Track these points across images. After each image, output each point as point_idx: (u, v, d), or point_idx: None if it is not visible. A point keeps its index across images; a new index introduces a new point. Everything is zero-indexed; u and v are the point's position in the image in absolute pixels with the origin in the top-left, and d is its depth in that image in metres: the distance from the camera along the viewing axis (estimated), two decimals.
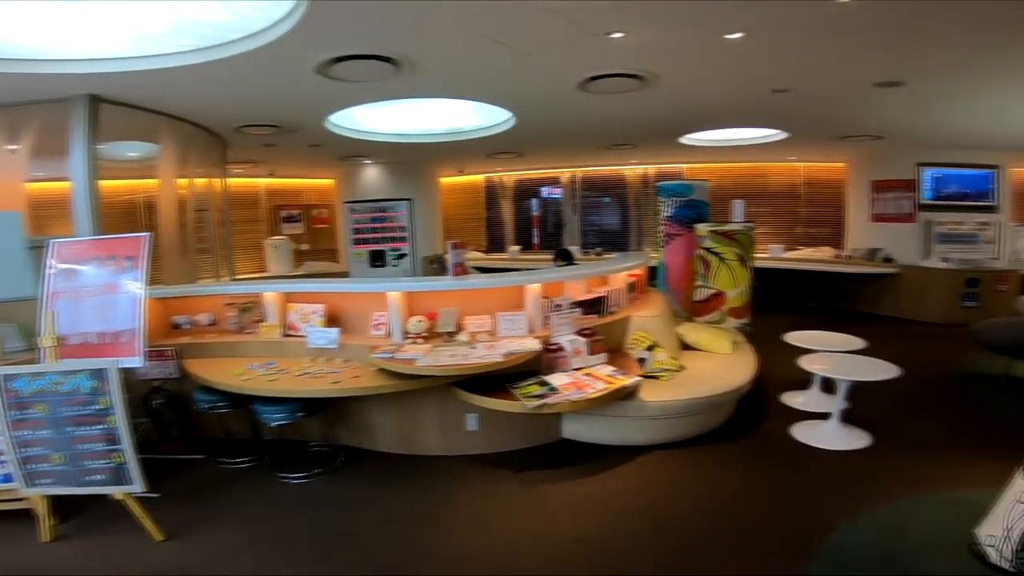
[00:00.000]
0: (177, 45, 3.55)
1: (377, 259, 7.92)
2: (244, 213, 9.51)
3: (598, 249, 9.81)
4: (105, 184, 4.49)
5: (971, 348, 5.18)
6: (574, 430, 3.70)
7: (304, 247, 9.86)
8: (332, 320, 3.91)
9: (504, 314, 3.77)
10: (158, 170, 5.32)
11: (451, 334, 3.71)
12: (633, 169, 9.91)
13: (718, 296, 5.25)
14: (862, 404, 3.90)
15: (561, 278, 4.15)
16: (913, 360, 5.16)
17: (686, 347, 4.63)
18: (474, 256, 10.09)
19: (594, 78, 4.10)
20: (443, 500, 3.08)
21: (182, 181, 5.51)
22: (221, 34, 3.44)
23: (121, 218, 7.25)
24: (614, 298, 4.30)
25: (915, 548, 2.47)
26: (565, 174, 10.23)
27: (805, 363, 3.81)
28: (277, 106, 4.91)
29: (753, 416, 4.08)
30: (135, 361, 3.13)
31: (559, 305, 3.73)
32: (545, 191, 10.41)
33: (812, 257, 8.60)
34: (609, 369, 3.65)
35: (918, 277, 7.63)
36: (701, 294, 5.38)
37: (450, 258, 3.83)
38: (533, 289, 3.85)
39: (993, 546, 2.33)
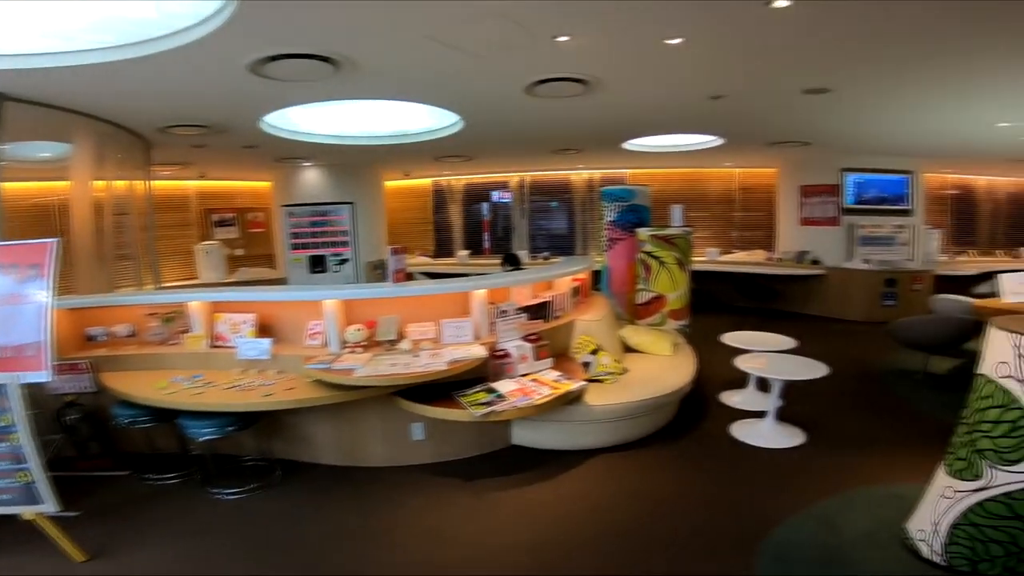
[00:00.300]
0: (95, 42, 3.30)
1: (317, 265, 7.67)
2: (172, 217, 8.98)
3: (546, 253, 9.88)
4: (14, 187, 4.11)
5: (891, 345, 5.53)
6: (523, 436, 3.68)
7: (238, 252, 9.41)
8: (264, 330, 3.72)
9: (449, 321, 3.70)
10: (71, 172, 4.93)
11: (392, 342, 3.60)
12: (579, 174, 10.06)
13: (659, 299, 5.36)
14: (795, 402, 4.08)
15: (506, 284, 4.11)
16: (839, 358, 5.44)
17: (629, 349, 4.71)
18: (421, 261, 9.93)
19: (541, 82, 4.12)
20: (390, 512, 2.98)
21: (99, 183, 5.12)
22: (144, 31, 3.22)
23: (33, 222, 6.68)
24: (559, 303, 4.32)
25: (852, 544, 2.56)
26: (514, 178, 10.27)
27: (741, 363, 3.94)
28: (206, 106, 4.65)
29: (694, 416, 4.18)
30: (42, 375, 2.85)
31: (505, 311, 3.70)
32: (496, 195, 10.39)
33: (746, 260, 8.99)
34: (555, 374, 3.65)
35: (842, 278, 8.11)
36: (642, 297, 5.49)
37: (390, 264, 3.72)
38: (479, 295, 3.80)
39: (924, 540, 2.44)
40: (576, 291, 4.71)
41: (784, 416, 3.88)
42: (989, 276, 8.26)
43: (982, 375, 2.37)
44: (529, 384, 3.47)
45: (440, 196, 10.57)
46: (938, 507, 2.42)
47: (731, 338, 4.68)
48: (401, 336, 3.66)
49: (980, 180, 9.92)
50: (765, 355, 4.19)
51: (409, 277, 7.46)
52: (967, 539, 2.31)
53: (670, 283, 5.30)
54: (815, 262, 8.37)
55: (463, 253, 10.01)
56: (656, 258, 5.31)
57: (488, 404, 3.20)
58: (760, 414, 3.95)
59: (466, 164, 8.77)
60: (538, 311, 4.10)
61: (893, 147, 7.18)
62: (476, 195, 10.49)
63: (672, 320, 5.40)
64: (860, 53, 3.42)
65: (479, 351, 3.47)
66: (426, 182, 10.52)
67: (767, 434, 3.76)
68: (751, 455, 3.56)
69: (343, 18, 2.91)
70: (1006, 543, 2.23)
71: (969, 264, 9.03)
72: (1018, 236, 10.16)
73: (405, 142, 6.66)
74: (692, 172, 9.79)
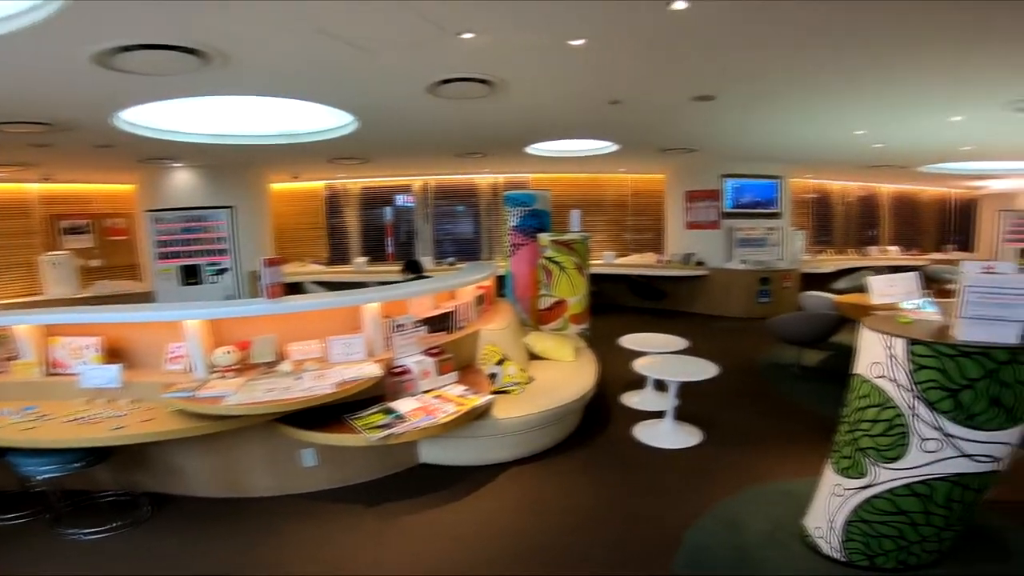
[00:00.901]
0: None
1: (191, 276, 6.91)
2: (9, 224, 7.72)
3: (451, 259, 9.69)
4: None
5: (768, 340, 5.97)
6: (433, 454, 3.49)
7: (95, 263, 8.25)
8: (114, 354, 3.21)
9: (337, 338, 3.40)
10: None
11: (270, 365, 3.24)
12: (485, 178, 10.01)
13: (560, 304, 5.39)
14: (689, 400, 4.21)
15: (403, 295, 3.87)
16: (724, 354, 5.77)
17: (534, 356, 4.67)
18: (313, 270, 9.31)
19: (444, 82, 3.96)
20: (284, 546, 2.66)
21: None
22: None
23: None
24: (463, 312, 4.16)
25: (758, 544, 2.59)
26: (417, 182, 9.98)
27: (640, 367, 4.01)
28: (43, 101, 3.99)
29: (599, 420, 4.20)
30: None
31: (402, 324, 3.47)
32: (401, 199, 10.03)
33: (639, 263, 9.42)
34: (460, 389, 3.49)
35: (723, 278, 8.71)
36: (545, 302, 5.49)
37: (264, 277, 3.33)
38: (371, 309, 3.54)
39: (822, 537, 2.50)
40: (481, 299, 4.58)
41: (681, 415, 4.00)
42: (845, 273, 9.35)
43: (858, 375, 2.43)
44: (432, 401, 3.28)
45: (334, 200, 10.00)
46: (831, 505, 2.47)
47: (628, 341, 4.78)
48: (280, 357, 3.32)
49: (835, 185, 11.15)
50: (661, 357, 4.31)
51: (295, 289, 6.95)
52: (861, 535, 2.38)
53: (570, 287, 5.35)
54: (700, 263, 8.92)
55: (360, 260, 9.51)
56: (556, 263, 5.33)
57: (386, 426, 2.96)
58: (659, 414, 4.05)
59: (363, 167, 8.36)
60: (440, 322, 3.91)
61: (766, 153, 7.79)
62: (375, 199, 10.06)
63: (573, 324, 5.45)
64: (743, 60, 3.57)
65: (373, 369, 3.22)
66: (318, 185, 9.90)
67: (667, 435, 3.85)
68: (655, 457, 3.62)
69: (209, 5, 2.56)
70: (895, 537, 2.32)
71: (828, 262, 10.12)
72: (866, 236, 11.57)
73: (291, 142, 6.18)
74: (590, 178, 10.10)
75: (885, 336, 2.26)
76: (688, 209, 9.21)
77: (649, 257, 9.63)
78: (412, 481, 3.31)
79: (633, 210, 10.31)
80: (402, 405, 3.21)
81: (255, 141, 6.15)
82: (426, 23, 2.88)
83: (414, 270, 5.63)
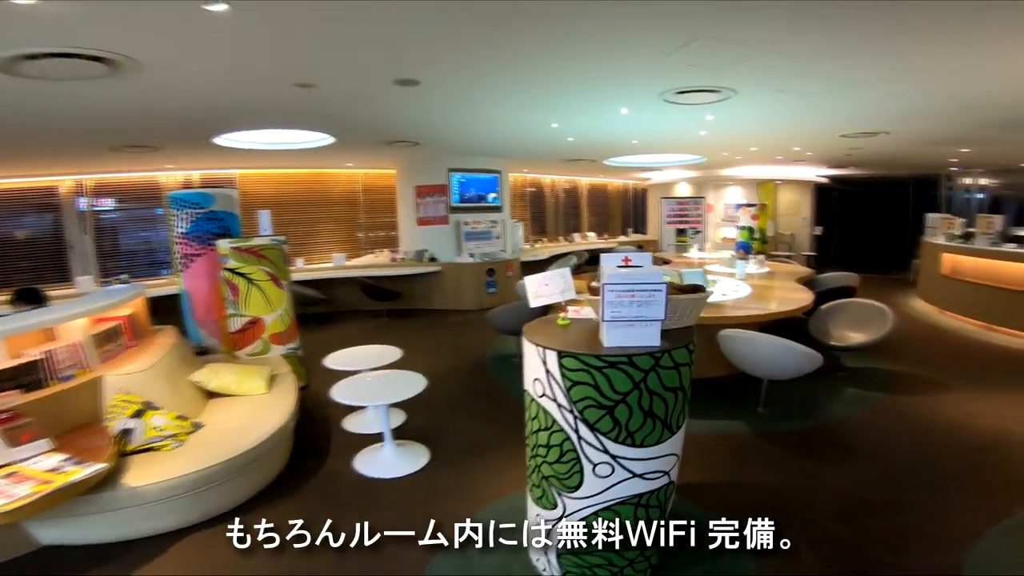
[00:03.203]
0: None
1: None
2: None
3: (124, 276, 7.67)
4: None
5: (494, 331, 6.03)
6: (57, 535, 2.59)
7: None
8: None
9: None
10: None
11: None
12: (172, 176, 8.18)
13: (255, 323, 4.50)
14: (416, 412, 3.79)
15: None
16: (454, 351, 5.63)
17: (214, 395, 3.73)
18: None
19: (30, 57, 2.88)
20: None
21: None
22: None
23: None
24: (68, 357, 2.97)
25: None
26: (65, 183, 7.59)
27: (337, 393, 3.39)
28: None
29: (316, 453, 3.57)
30: None
31: None
32: (85, 202, 7.59)
33: (373, 263, 8.92)
34: (55, 459, 2.50)
35: (455, 272, 8.76)
36: (235, 324, 4.52)
37: None
38: None
39: (546, 570, 2.20)
40: (115, 333, 3.41)
41: (409, 431, 3.60)
42: (557, 258, 10.34)
43: (526, 392, 2.15)
44: None
45: None
46: (542, 535, 2.21)
47: (335, 360, 4.11)
48: None
49: (547, 179, 12.31)
50: (363, 377, 3.75)
51: None
52: (575, 567, 2.13)
53: (265, 303, 4.49)
54: (432, 259, 8.82)
55: None
56: (242, 275, 4.41)
57: None
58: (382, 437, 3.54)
59: None
60: (22, 375, 2.73)
61: (486, 148, 7.95)
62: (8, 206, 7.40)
63: (277, 345, 4.62)
64: (438, 38, 3.21)
65: None
66: None
67: (390, 462, 3.39)
68: (379, 492, 3.11)
69: None
70: (605, 565, 2.10)
71: (543, 249, 11.12)
72: (571, 224, 13.10)
73: None
74: (313, 173, 9.19)
75: (539, 348, 1.96)
76: (418, 204, 9.01)
77: (384, 256, 9.20)
78: (33, 569, 2.48)
79: (366, 207, 9.73)
80: None
81: None
82: None
83: (29, 300, 4.05)
